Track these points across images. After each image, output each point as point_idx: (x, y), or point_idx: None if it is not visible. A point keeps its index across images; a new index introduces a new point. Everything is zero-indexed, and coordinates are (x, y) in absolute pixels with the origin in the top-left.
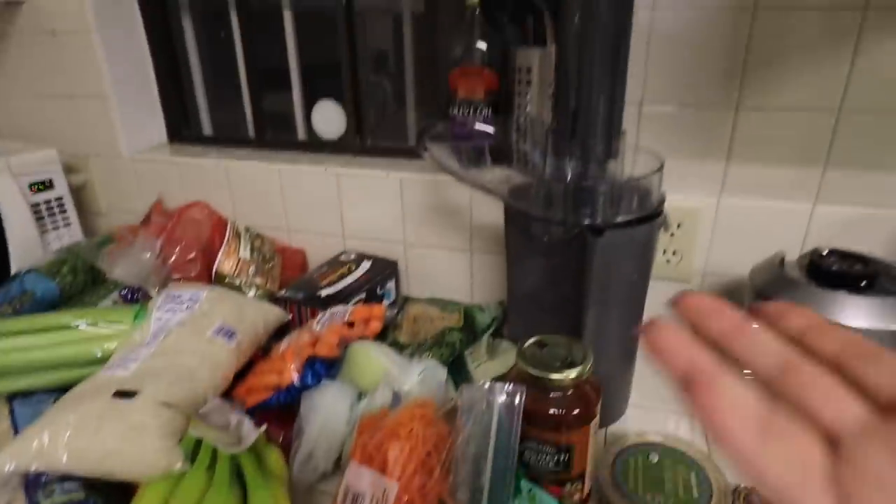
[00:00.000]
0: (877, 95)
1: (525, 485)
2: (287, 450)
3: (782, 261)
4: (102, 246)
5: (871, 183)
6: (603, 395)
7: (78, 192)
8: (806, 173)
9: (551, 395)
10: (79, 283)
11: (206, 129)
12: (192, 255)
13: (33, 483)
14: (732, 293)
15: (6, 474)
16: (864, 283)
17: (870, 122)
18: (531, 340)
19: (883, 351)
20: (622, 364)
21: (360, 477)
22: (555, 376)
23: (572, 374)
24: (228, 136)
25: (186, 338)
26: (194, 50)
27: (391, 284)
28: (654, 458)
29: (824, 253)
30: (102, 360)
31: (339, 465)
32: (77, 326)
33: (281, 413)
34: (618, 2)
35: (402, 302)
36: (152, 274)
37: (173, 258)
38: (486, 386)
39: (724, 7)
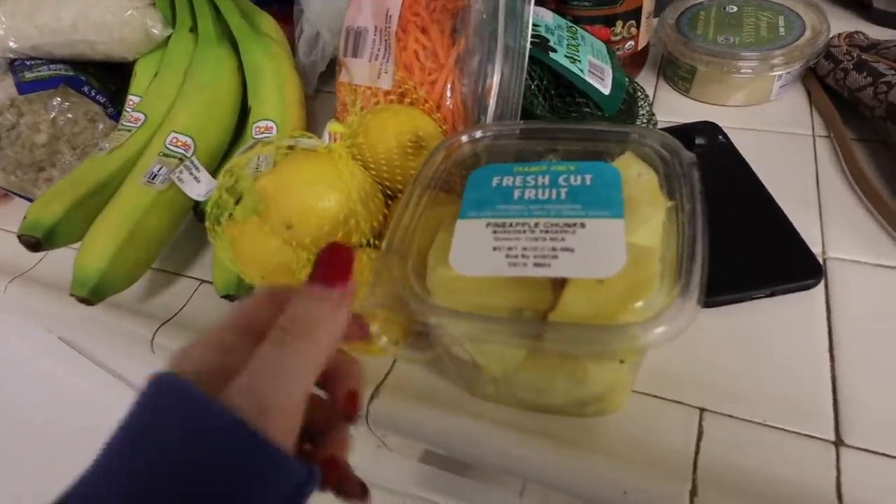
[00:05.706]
0: None
1: (561, 19)
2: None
3: None
4: None
5: None
6: None
7: None
8: None
9: None
10: None
11: None
12: None
13: (20, 65)
14: None
15: None
16: None
17: None
18: None
19: None
20: None
21: (358, 10)
22: None
23: None
24: None
25: None
26: None
27: None
28: (733, 8)
29: None
30: None
31: None
32: None
33: (278, 11)
34: None
35: None
36: None
37: None
38: None
39: None
